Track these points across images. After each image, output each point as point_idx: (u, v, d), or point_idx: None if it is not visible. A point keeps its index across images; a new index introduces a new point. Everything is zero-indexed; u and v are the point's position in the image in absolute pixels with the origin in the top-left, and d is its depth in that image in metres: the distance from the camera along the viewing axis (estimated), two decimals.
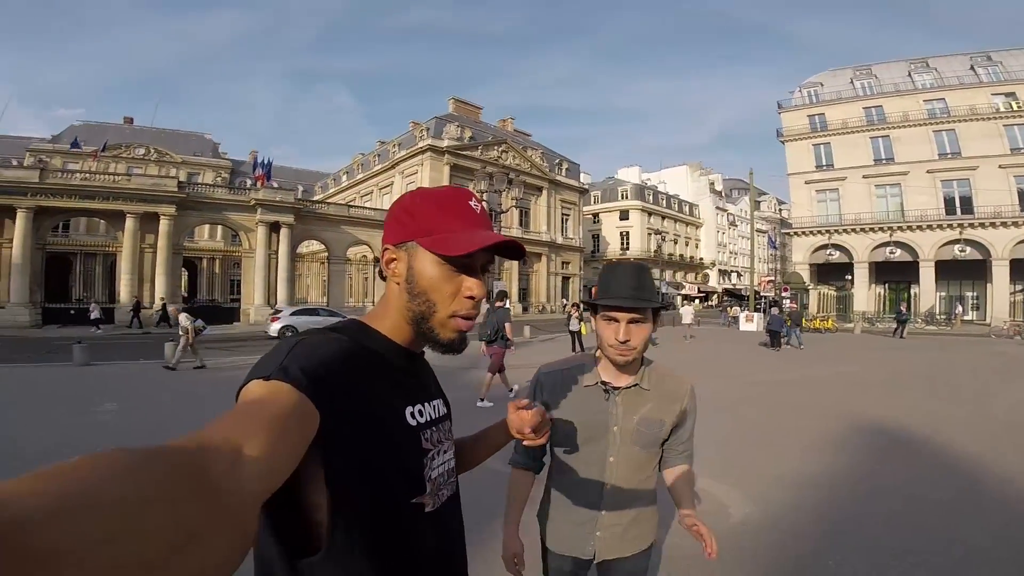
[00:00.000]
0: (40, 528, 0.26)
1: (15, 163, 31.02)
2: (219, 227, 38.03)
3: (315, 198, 46.82)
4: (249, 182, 35.03)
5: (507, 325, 7.99)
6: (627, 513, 1.47)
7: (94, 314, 22.89)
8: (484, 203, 0.91)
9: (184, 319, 10.58)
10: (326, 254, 33.99)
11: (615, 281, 1.39)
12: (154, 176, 29.15)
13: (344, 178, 54.58)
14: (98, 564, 0.28)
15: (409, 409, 0.83)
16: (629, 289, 1.37)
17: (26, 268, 23.74)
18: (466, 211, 0.86)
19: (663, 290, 40.73)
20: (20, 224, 23.58)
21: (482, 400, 7.30)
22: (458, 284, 0.84)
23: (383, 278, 0.89)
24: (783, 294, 32.02)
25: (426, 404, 0.88)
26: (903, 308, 24.77)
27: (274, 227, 29.14)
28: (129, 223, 25.65)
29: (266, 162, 31.05)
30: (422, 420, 0.85)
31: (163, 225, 26.36)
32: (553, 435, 1.42)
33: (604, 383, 1.47)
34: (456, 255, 0.81)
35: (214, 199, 28.74)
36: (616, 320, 1.38)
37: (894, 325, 23.44)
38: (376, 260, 33.58)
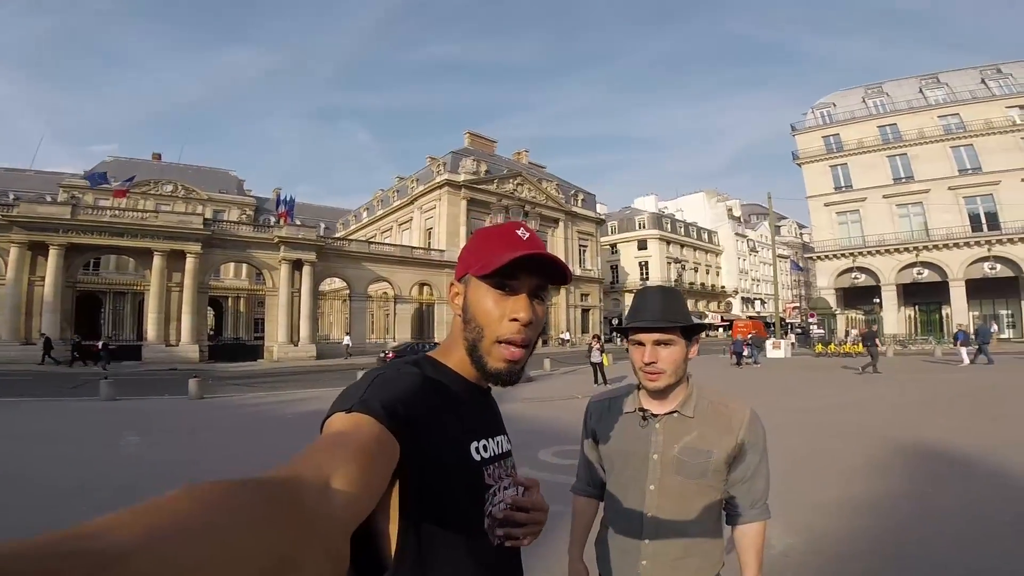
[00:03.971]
0: (130, 559, 0.27)
1: (48, 199, 31.96)
2: (244, 266, 38.76)
3: (336, 235, 47.74)
4: (272, 219, 35.88)
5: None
6: (675, 543, 1.38)
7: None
8: (534, 231, 0.92)
9: None
10: (347, 291, 34.34)
11: (642, 303, 1.42)
12: (180, 213, 29.81)
13: (364, 214, 55.64)
14: None
15: (474, 444, 0.84)
16: (656, 311, 1.38)
17: (57, 306, 24.25)
18: (511, 238, 0.88)
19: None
20: (52, 261, 24.09)
21: None
22: (504, 308, 0.85)
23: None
24: (810, 320, 31.31)
25: (490, 440, 0.89)
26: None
27: (297, 265, 29.60)
28: (157, 261, 26.16)
29: (289, 199, 31.52)
30: (486, 455, 0.86)
31: (189, 263, 26.85)
32: (603, 463, 1.53)
33: (643, 410, 1.45)
34: (489, 272, 0.83)
35: (239, 237, 29.32)
36: (642, 343, 1.39)
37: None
38: (396, 297, 34.39)
